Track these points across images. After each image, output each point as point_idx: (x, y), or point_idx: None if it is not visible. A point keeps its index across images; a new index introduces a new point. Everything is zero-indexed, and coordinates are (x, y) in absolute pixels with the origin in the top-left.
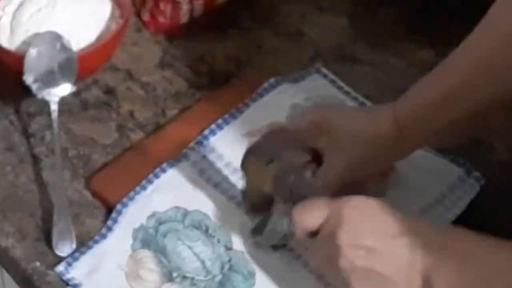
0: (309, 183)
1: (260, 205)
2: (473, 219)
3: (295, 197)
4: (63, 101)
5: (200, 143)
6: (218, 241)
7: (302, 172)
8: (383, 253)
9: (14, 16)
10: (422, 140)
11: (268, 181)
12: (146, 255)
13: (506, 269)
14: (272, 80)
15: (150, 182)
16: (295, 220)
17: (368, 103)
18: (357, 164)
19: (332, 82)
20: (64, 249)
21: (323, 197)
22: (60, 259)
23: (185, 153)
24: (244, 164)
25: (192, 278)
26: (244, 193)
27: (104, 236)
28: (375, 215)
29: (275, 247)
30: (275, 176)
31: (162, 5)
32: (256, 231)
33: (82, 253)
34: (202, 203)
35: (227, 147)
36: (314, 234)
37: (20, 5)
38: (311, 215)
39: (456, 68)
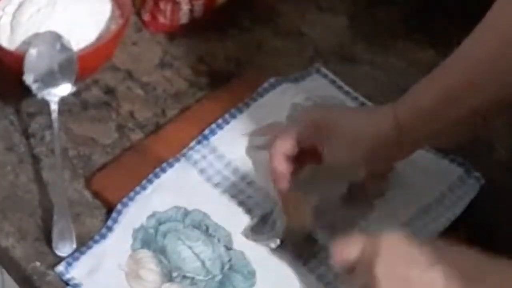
0: (345, 216)
1: (303, 244)
2: (473, 219)
3: (334, 229)
4: (63, 101)
5: (200, 142)
6: (218, 240)
7: (340, 203)
8: (419, 282)
9: (14, 16)
10: (422, 140)
11: (308, 215)
12: (146, 255)
13: None
14: (272, 80)
15: (150, 182)
16: (334, 255)
17: (368, 103)
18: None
19: (332, 82)
20: (64, 249)
21: (360, 232)
22: (60, 259)
23: (185, 153)
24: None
25: (192, 278)
26: (285, 232)
27: (104, 236)
28: (409, 245)
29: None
30: (314, 208)
31: (162, 5)
32: (256, 230)
33: (82, 253)
34: (202, 203)
35: (228, 147)
36: (352, 269)
37: (20, 5)
38: (348, 248)
39: (456, 68)
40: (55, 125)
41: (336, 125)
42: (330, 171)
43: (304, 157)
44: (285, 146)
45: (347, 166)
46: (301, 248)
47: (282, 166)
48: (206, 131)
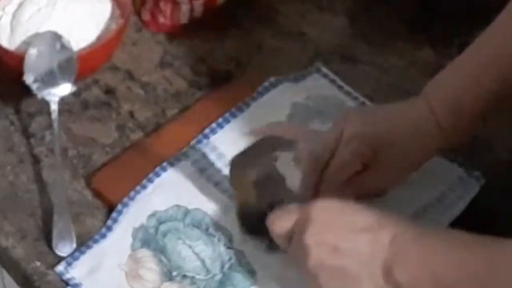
0: (287, 189)
1: (256, 224)
2: (473, 219)
3: (280, 204)
4: (63, 101)
5: (200, 141)
6: (219, 240)
7: (279, 177)
8: (346, 249)
9: (14, 16)
10: (454, 134)
11: (250, 190)
12: (145, 254)
13: (472, 262)
14: (272, 79)
15: (151, 181)
16: (270, 228)
17: (368, 103)
18: (404, 176)
19: (332, 81)
20: (64, 249)
21: (295, 203)
22: (60, 259)
23: (186, 152)
24: (230, 179)
25: (192, 277)
26: (238, 214)
27: (104, 236)
28: (340, 213)
29: (270, 247)
30: (254, 183)
31: (162, 5)
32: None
33: (82, 252)
34: (203, 202)
35: (228, 146)
36: (289, 241)
37: (20, 5)
38: (282, 220)
39: (486, 47)
40: (55, 125)
41: (390, 139)
42: (262, 144)
43: None
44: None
45: (279, 138)
46: (256, 228)
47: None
48: (207, 130)
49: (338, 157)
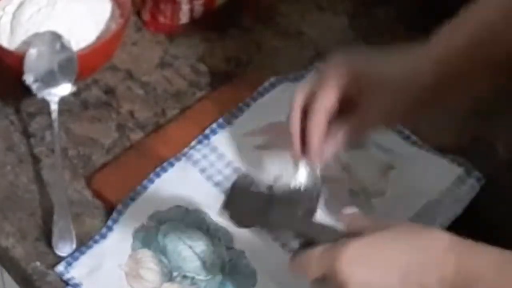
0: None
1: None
2: (473, 219)
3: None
4: (63, 101)
5: (201, 142)
6: (219, 240)
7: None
8: (378, 285)
9: (14, 16)
10: (454, 84)
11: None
12: (146, 254)
13: None
14: (272, 79)
15: (151, 181)
16: (301, 273)
17: None
18: (394, 115)
19: None
20: (64, 249)
21: (316, 249)
22: (60, 259)
23: (186, 152)
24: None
25: (193, 278)
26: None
27: (104, 236)
28: (370, 249)
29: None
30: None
31: (162, 5)
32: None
33: (82, 253)
34: (203, 202)
35: (228, 146)
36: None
37: (20, 5)
38: (309, 269)
39: (490, 4)
40: (55, 125)
41: (380, 78)
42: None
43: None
44: (328, 101)
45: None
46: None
47: (323, 125)
48: (207, 131)
49: (319, 91)
